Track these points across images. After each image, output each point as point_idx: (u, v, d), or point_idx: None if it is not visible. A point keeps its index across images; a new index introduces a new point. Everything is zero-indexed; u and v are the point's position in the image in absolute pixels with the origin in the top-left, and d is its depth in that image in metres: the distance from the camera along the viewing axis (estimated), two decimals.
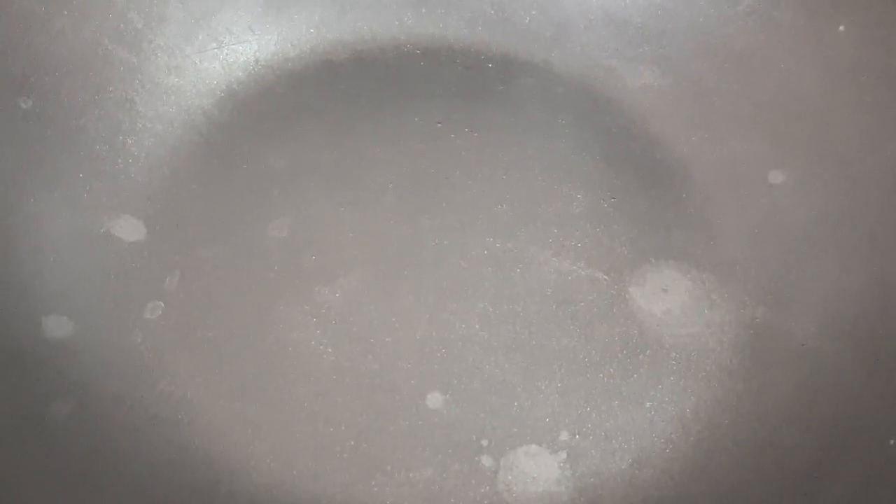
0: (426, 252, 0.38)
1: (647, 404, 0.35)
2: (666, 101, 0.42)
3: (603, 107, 0.42)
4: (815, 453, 0.33)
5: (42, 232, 0.36)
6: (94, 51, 0.39)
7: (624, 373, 0.35)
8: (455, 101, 0.42)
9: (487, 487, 0.33)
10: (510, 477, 0.33)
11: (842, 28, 0.41)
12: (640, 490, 0.33)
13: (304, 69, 0.43)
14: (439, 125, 0.41)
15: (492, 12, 0.44)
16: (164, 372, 0.34)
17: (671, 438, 0.34)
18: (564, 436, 0.34)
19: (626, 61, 0.43)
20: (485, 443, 0.34)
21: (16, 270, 0.35)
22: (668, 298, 0.37)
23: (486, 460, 0.33)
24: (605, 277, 0.37)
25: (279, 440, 0.34)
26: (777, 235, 0.38)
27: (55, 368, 0.33)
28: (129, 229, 0.37)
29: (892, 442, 0.31)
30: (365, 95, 0.42)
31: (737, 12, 0.42)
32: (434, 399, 0.35)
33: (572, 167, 0.40)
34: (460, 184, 0.40)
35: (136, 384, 0.34)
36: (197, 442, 0.33)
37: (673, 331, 0.36)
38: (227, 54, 0.42)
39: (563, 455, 0.34)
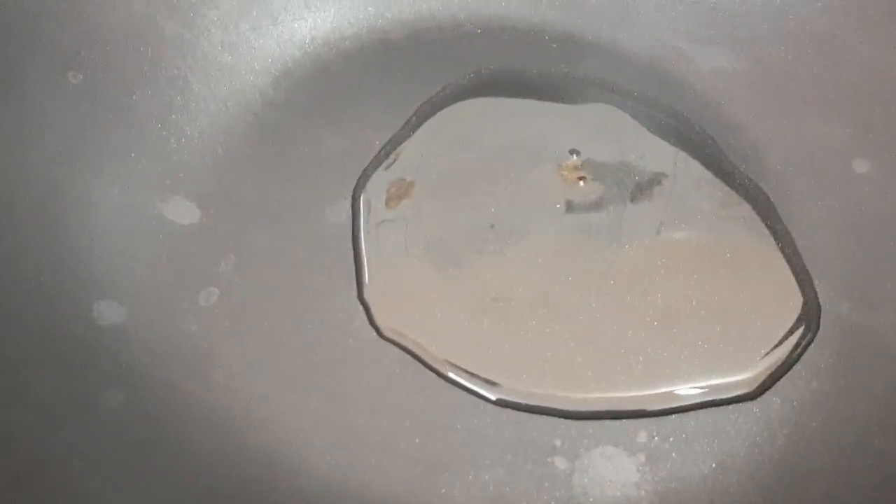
0: (491, 238, 0.36)
1: (731, 405, 0.32)
2: (740, 85, 0.40)
3: (673, 90, 0.40)
4: None
5: (92, 213, 0.35)
6: (146, 25, 0.38)
7: (702, 367, 0.33)
8: (517, 82, 0.41)
9: (562, 491, 0.31)
10: (586, 480, 0.31)
11: None
12: (724, 495, 0.31)
13: (360, 48, 0.41)
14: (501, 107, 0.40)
15: None
16: (219, 361, 0.33)
17: (756, 441, 0.32)
18: (643, 437, 0.32)
19: (698, 43, 0.41)
20: (558, 443, 0.32)
21: (65, 253, 0.34)
22: None
23: (560, 462, 0.32)
24: (683, 267, 0.35)
25: (340, 435, 0.32)
26: (862, 228, 0.36)
27: (107, 356, 0.32)
28: (182, 211, 0.36)
29: None
30: (423, 75, 0.40)
31: None
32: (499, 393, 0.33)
33: (644, 152, 0.38)
34: (524, 169, 0.38)
35: (190, 373, 0.32)
36: (253, 435, 0.32)
37: None
38: (282, 31, 0.40)
39: (642, 457, 0.32)
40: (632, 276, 0.35)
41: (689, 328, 0.34)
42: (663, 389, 0.33)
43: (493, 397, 0.33)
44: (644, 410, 0.33)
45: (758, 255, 0.36)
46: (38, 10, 0.36)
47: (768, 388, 0.33)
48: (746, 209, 0.37)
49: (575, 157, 0.38)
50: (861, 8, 0.40)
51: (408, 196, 0.37)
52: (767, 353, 0.34)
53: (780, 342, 0.34)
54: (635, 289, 0.35)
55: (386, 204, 0.37)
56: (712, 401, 0.33)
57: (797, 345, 0.34)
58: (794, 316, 0.34)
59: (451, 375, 0.33)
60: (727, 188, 0.38)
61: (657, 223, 0.37)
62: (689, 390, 0.33)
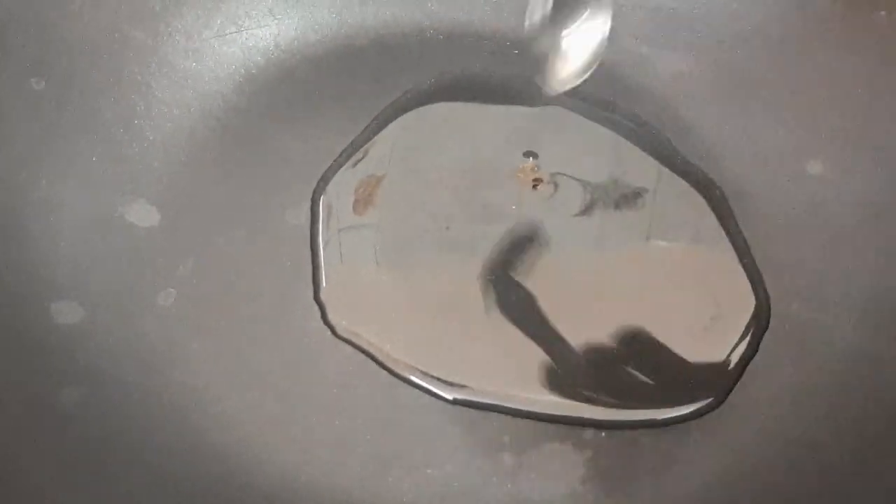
0: (447, 238, 0.37)
1: (677, 396, 0.33)
2: (699, 89, 0.41)
3: (633, 94, 0.41)
4: (854, 454, 0.32)
5: (53, 216, 0.35)
6: (110, 32, 0.39)
7: (655, 365, 0.34)
8: (480, 87, 0.41)
9: (509, 485, 0.32)
10: (533, 475, 0.32)
11: (882, 13, 0.39)
12: (669, 489, 0.32)
13: (325, 54, 0.41)
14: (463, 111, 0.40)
15: None
16: (176, 361, 0.33)
17: (702, 437, 0.32)
18: (589, 433, 0.33)
19: (657, 48, 0.42)
20: (506, 439, 0.32)
21: (26, 255, 0.34)
22: None
23: (508, 457, 0.32)
24: (637, 265, 0.36)
25: (294, 432, 0.32)
26: (814, 228, 0.37)
27: (64, 355, 0.33)
28: (144, 215, 0.36)
29: None
30: (387, 81, 0.41)
31: None
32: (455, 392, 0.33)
33: (603, 155, 0.39)
34: (482, 173, 0.38)
35: (147, 373, 0.33)
36: (210, 433, 0.32)
37: None
38: (246, 38, 0.41)
39: (589, 453, 0.32)
40: (587, 280, 0.36)
41: (643, 336, 0.34)
42: (614, 412, 0.33)
43: (448, 396, 0.33)
44: (598, 421, 0.33)
45: (713, 257, 0.37)
46: (2, 17, 0.36)
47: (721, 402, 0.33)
48: (702, 208, 0.38)
49: (531, 160, 0.39)
50: (816, 13, 0.40)
51: (373, 198, 0.38)
52: (719, 374, 0.34)
53: (730, 353, 0.34)
54: (590, 292, 0.36)
55: (353, 207, 0.37)
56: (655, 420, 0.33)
57: (749, 347, 0.34)
58: (746, 321, 0.35)
59: (406, 374, 0.34)
60: (685, 185, 0.38)
61: (613, 227, 0.37)
62: (638, 410, 0.33)
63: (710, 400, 0.33)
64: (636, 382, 0.34)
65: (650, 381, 0.34)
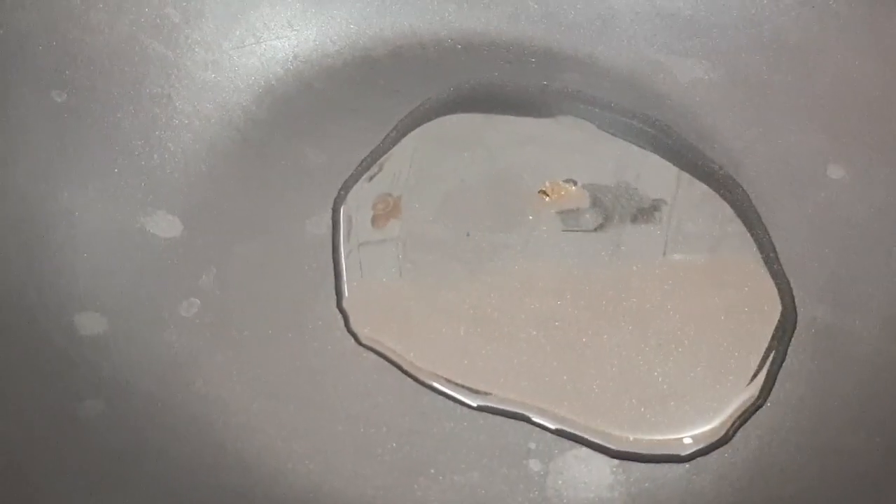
0: (470, 248, 0.37)
1: (705, 404, 0.33)
2: (717, 96, 0.41)
3: (651, 102, 0.41)
4: (881, 459, 0.31)
5: (75, 227, 0.35)
6: (130, 45, 0.39)
7: (680, 372, 0.33)
8: (497, 96, 0.41)
9: (536, 492, 0.31)
10: (560, 482, 0.32)
11: None
12: (697, 496, 0.31)
13: (343, 65, 0.42)
14: (481, 121, 0.40)
15: (535, 6, 0.43)
16: (199, 371, 0.33)
17: (730, 442, 0.32)
18: None
19: (674, 55, 0.42)
20: (533, 446, 0.32)
21: (48, 266, 0.34)
22: None
23: (535, 464, 0.32)
24: (659, 272, 0.36)
25: (317, 442, 0.32)
26: (837, 232, 0.37)
27: (87, 366, 0.33)
28: (165, 225, 0.36)
29: None
30: (405, 91, 0.41)
31: (790, 3, 0.41)
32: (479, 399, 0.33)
33: (621, 163, 0.39)
34: (501, 181, 0.38)
35: (170, 383, 0.33)
36: (232, 443, 0.32)
37: None
38: (265, 50, 0.41)
39: (616, 460, 0.32)
40: (609, 286, 0.36)
41: (667, 349, 0.34)
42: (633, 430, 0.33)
43: (473, 403, 0.33)
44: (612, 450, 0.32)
45: (737, 262, 0.36)
46: (24, 31, 0.36)
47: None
48: (726, 211, 0.38)
49: (551, 170, 0.39)
50: (834, 18, 0.40)
51: (392, 213, 0.38)
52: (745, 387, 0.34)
53: (758, 365, 0.34)
54: (614, 304, 0.35)
55: (372, 222, 0.37)
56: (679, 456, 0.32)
57: (776, 356, 0.34)
58: (772, 329, 0.35)
59: (430, 382, 0.34)
60: (707, 189, 0.38)
61: (633, 235, 0.37)
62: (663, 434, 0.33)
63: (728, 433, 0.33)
64: (659, 398, 0.33)
65: (675, 400, 0.33)
